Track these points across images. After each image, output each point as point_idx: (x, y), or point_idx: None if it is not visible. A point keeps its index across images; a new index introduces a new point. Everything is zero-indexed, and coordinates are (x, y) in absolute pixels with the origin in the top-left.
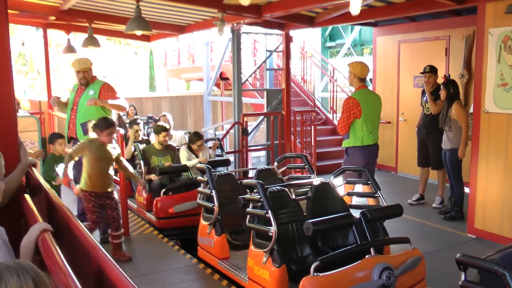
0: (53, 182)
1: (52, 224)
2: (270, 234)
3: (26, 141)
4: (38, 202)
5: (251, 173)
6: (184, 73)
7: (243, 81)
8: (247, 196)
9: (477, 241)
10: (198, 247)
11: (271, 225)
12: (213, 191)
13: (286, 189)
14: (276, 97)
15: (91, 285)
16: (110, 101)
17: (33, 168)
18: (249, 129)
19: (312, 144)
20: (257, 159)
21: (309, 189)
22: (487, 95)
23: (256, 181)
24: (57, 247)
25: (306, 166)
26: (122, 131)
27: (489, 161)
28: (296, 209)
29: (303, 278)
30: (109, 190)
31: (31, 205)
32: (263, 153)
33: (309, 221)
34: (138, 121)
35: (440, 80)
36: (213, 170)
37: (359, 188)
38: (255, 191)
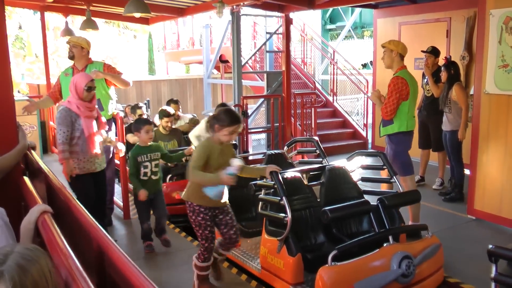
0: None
1: (52, 206)
2: (284, 221)
3: (25, 125)
4: (37, 184)
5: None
6: (184, 56)
7: (243, 64)
8: (260, 182)
9: (477, 222)
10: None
11: (285, 213)
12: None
13: (300, 174)
14: (276, 79)
15: (92, 266)
16: (113, 74)
17: (32, 151)
18: (249, 111)
19: (313, 126)
20: (257, 142)
21: (322, 174)
22: (488, 77)
23: (270, 166)
24: (57, 228)
25: (317, 150)
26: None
27: (489, 143)
28: (310, 195)
29: (321, 268)
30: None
31: (30, 187)
32: (263, 135)
33: (326, 208)
34: (140, 105)
35: (441, 62)
36: None
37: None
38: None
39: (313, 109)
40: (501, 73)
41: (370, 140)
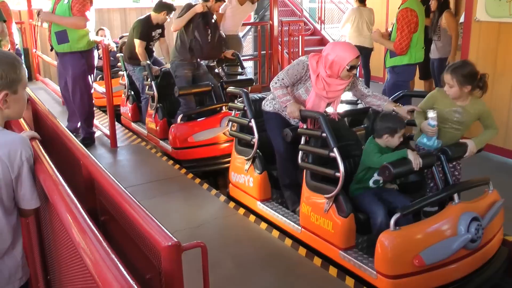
0: None
1: (39, 133)
2: (336, 176)
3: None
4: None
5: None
6: None
7: None
8: (303, 129)
9: None
10: (230, 185)
11: (336, 166)
12: (252, 120)
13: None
14: (263, 6)
15: (82, 194)
16: (61, 18)
17: None
18: None
19: (300, 54)
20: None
21: (366, 117)
22: (479, 4)
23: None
24: (46, 155)
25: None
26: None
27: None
28: (354, 142)
29: (382, 233)
30: None
31: None
32: (251, 63)
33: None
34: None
35: None
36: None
37: None
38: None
39: (300, 37)
40: (493, 0)
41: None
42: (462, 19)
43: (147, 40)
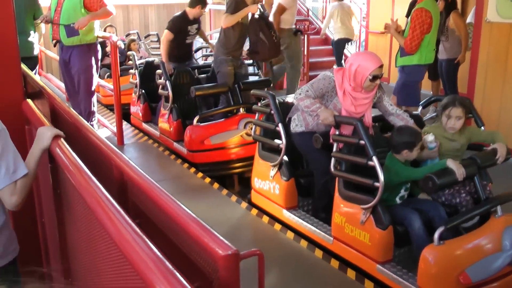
0: None
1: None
2: (375, 185)
3: None
4: (40, 108)
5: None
6: None
7: None
8: (337, 136)
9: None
10: (252, 191)
11: (375, 175)
12: (279, 124)
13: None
14: None
15: (113, 195)
16: (94, 13)
17: (30, 71)
18: None
19: (305, 53)
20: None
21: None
22: (490, 4)
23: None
24: (74, 155)
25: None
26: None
27: (488, 72)
28: (387, 149)
29: (426, 248)
30: None
31: (35, 109)
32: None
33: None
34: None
35: None
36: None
37: None
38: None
39: (306, 36)
40: (504, 1)
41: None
42: (469, 19)
43: (181, 35)
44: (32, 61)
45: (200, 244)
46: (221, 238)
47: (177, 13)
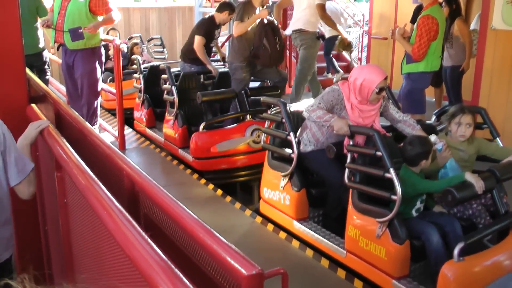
0: None
1: (65, 136)
2: (393, 198)
3: None
4: (45, 112)
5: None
6: None
7: None
8: (353, 146)
9: None
10: (261, 201)
11: (392, 187)
12: (291, 133)
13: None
14: (272, 10)
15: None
16: (101, 18)
17: (33, 75)
18: None
19: None
20: None
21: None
22: (496, 12)
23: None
24: (82, 162)
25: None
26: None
27: (493, 79)
28: (402, 160)
29: (445, 265)
30: None
31: (40, 115)
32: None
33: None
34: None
35: None
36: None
37: None
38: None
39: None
40: (509, 8)
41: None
42: (472, 26)
43: (208, 39)
44: (39, 57)
45: (221, 262)
46: (244, 256)
47: (205, 17)
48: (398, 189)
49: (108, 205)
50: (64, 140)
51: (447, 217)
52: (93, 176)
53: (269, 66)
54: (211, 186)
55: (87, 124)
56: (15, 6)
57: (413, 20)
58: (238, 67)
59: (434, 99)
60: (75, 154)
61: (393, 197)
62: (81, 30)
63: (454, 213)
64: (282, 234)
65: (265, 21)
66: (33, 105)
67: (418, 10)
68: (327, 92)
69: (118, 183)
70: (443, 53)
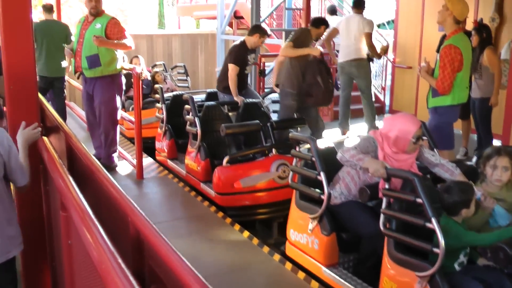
0: None
1: (73, 172)
2: (435, 251)
3: None
4: (58, 144)
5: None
6: (197, 10)
7: (261, 21)
8: (389, 191)
9: None
10: (287, 243)
11: (434, 238)
12: (321, 173)
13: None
14: None
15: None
16: (115, 41)
17: (48, 106)
18: (266, 70)
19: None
20: (269, 101)
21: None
22: None
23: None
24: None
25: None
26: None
27: None
28: (438, 204)
29: None
30: None
31: (50, 149)
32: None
33: (501, 243)
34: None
35: (470, 25)
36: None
37: None
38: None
39: (332, 68)
40: None
41: (387, 104)
42: (502, 56)
43: (241, 65)
44: (61, 80)
45: None
46: None
47: (236, 43)
48: (442, 242)
49: (108, 258)
50: (71, 179)
51: (494, 274)
52: (96, 223)
53: (321, 104)
54: (228, 220)
55: (97, 162)
56: (29, 38)
57: (439, 49)
58: (289, 93)
59: (461, 132)
60: (80, 195)
61: (435, 250)
62: (96, 55)
63: (500, 268)
64: (301, 274)
65: (318, 58)
66: (45, 138)
67: (444, 38)
68: (361, 140)
69: (123, 227)
70: (471, 84)
